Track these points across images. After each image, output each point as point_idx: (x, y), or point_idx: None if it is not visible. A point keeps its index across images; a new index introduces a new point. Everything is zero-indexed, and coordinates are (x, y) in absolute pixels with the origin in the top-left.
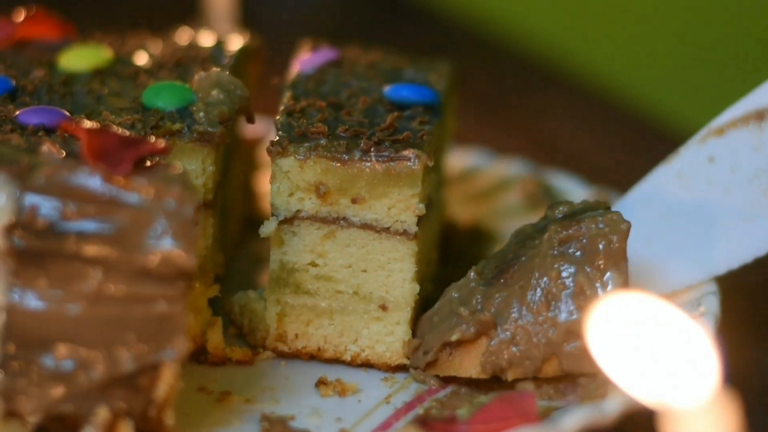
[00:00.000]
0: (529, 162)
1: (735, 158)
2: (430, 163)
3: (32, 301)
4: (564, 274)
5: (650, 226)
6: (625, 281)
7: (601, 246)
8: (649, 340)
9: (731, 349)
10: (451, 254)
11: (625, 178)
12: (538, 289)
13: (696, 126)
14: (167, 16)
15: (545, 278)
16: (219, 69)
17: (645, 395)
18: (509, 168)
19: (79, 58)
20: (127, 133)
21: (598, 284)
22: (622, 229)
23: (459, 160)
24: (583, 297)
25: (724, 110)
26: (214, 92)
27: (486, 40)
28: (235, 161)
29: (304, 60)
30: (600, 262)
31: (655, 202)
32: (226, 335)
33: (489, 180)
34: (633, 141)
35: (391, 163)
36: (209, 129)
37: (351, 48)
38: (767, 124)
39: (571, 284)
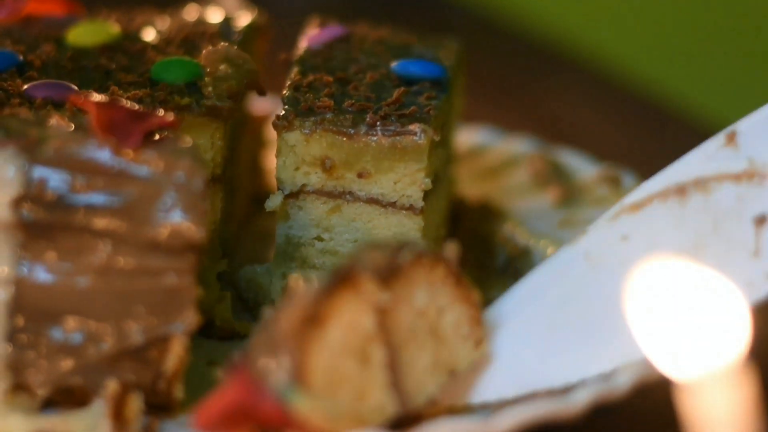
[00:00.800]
0: (536, 139)
1: (652, 237)
2: (437, 138)
3: (41, 274)
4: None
5: (554, 311)
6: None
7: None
8: (676, 304)
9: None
10: (460, 232)
11: (634, 156)
12: None
13: (703, 104)
14: None
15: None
16: (227, 44)
17: (665, 362)
18: (518, 145)
19: (87, 34)
20: (136, 106)
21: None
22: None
23: (467, 137)
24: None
25: (728, 89)
26: (223, 67)
27: (495, 21)
28: (244, 137)
29: (312, 36)
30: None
31: (560, 284)
32: (234, 309)
33: (497, 157)
34: (641, 120)
35: (397, 138)
36: (218, 103)
37: (359, 24)
38: (689, 201)
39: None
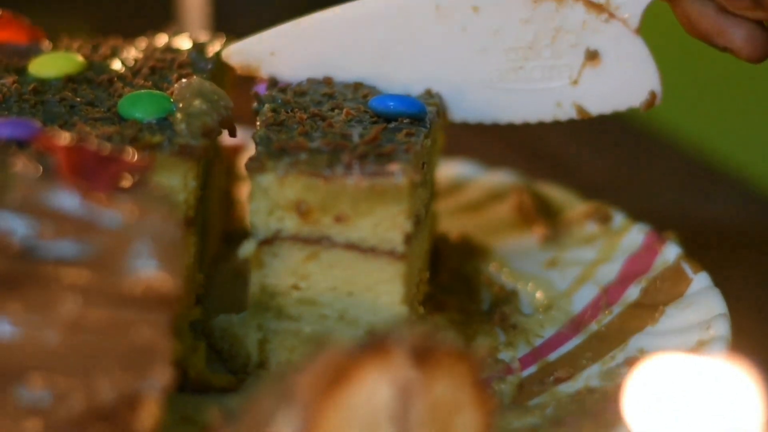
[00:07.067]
0: (520, 173)
1: (501, 21)
2: (418, 178)
3: (6, 328)
4: None
5: (384, 35)
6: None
7: None
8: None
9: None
10: (442, 272)
11: (622, 188)
12: None
13: (690, 134)
14: (140, 22)
15: None
16: (199, 77)
17: None
18: (501, 179)
19: (50, 64)
20: (107, 147)
21: None
22: None
23: (448, 170)
24: None
25: (718, 117)
26: (196, 102)
27: None
28: (215, 172)
29: None
30: None
31: (402, 19)
32: (207, 361)
33: (480, 192)
34: (630, 150)
35: (376, 179)
36: (191, 142)
37: None
38: (542, 3)
39: None
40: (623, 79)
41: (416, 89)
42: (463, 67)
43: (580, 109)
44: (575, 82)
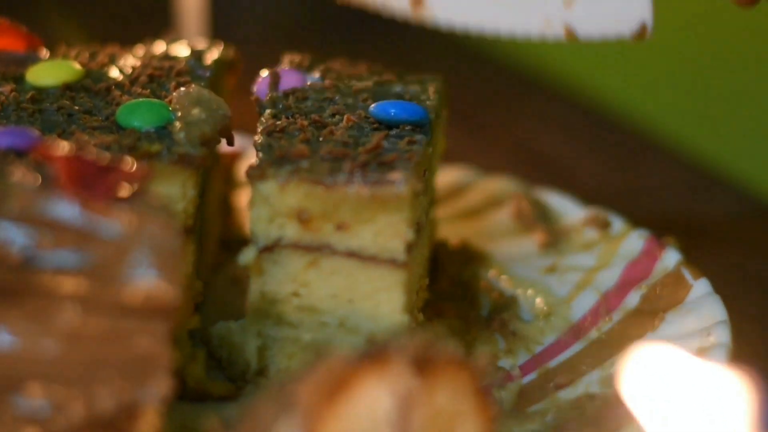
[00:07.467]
0: (519, 179)
1: None
2: (419, 187)
3: (5, 338)
4: None
5: None
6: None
7: None
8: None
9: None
10: (441, 278)
11: (622, 194)
12: None
13: (690, 139)
14: (137, 30)
15: None
16: (198, 85)
17: None
18: (499, 185)
19: (48, 72)
20: (106, 156)
21: None
22: None
23: (446, 176)
24: None
25: (717, 122)
26: (195, 111)
27: (471, 50)
28: (213, 180)
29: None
30: None
31: None
32: (206, 369)
33: (479, 197)
34: (624, 154)
35: (377, 187)
36: (191, 151)
37: (334, 61)
38: None
39: None
40: (615, 5)
41: None
42: None
43: (569, 32)
44: (568, 4)
